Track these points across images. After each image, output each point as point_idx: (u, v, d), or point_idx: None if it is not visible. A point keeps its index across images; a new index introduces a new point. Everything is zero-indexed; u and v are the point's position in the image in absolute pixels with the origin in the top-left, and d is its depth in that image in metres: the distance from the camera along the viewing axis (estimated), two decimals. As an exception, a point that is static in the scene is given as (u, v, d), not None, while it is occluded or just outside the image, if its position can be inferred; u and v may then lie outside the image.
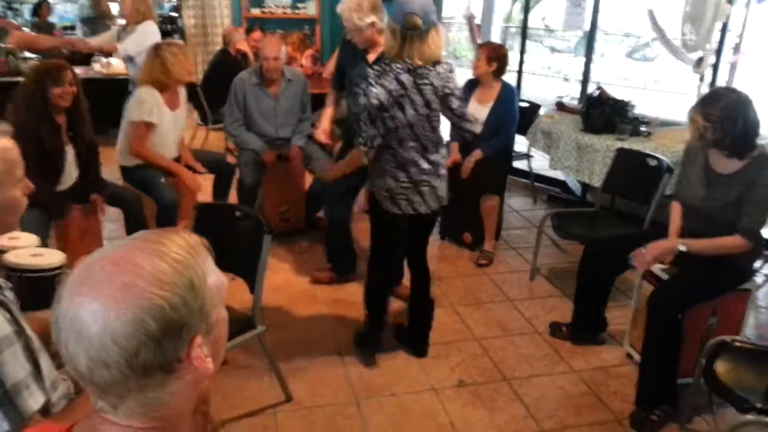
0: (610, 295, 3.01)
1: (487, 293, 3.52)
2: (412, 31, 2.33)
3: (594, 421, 2.51)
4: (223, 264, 2.43)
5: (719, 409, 2.47)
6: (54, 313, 0.72)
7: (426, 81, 2.39)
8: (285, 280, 3.55)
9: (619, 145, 3.82)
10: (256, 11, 6.51)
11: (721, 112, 2.39)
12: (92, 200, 3.10)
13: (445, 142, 2.64)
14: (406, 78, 2.36)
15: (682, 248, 2.49)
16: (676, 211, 2.75)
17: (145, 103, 3.35)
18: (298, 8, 6.60)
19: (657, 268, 2.66)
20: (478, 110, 3.91)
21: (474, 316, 3.26)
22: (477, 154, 3.82)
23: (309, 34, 6.56)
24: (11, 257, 1.81)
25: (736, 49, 8.10)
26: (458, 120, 2.56)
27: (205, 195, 3.89)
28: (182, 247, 0.75)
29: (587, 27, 5.16)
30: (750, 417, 1.97)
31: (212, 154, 3.93)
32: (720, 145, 2.44)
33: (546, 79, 11.95)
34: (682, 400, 2.49)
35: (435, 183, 2.56)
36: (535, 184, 5.16)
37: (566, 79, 11.63)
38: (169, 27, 7.72)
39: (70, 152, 3.00)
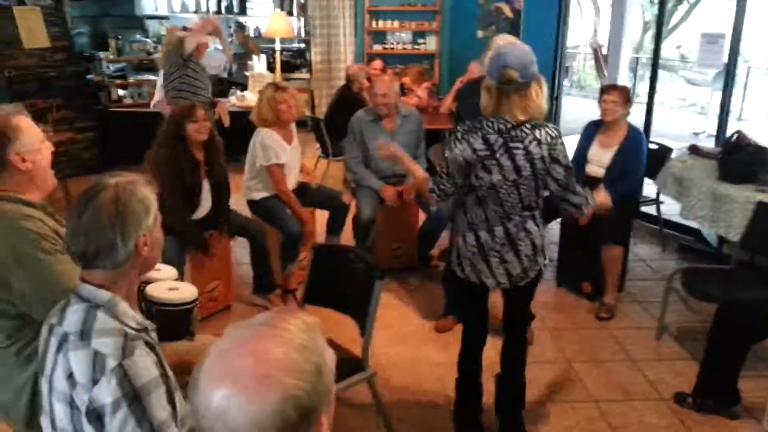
0: (745, 363, 2.72)
1: (608, 350, 3.31)
2: (508, 86, 2.15)
3: None
4: (336, 303, 2.50)
5: None
6: (193, 401, 0.77)
7: (519, 145, 2.17)
8: (395, 318, 3.55)
9: (760, 196, 3.48)
10: (378, 47, 6.70)
11: None
12: (223, 232, 3.38)
13: (540, 218, 2.35)
14: (494, 138, 2.17)
15: None
16: None
17: (268, 148, 3.57)
18: (418, 44, 6.71)
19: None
20: (602, 154, 3.74)
21: (592, 375, 3.07)
22: (601, 196, 3.62)
23: (428, 68, 6.64)
24: (151, 290, 1.94)
25: None
26: (562, 191, 2.28)
27: (320, 231, 4.03)
28: (305, 331, 0.82)
29: (725, 60, 4.80)
30: None
31: (328, 190, 4.06)
32: None
33: (680, 112, 11.26)
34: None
35: (507, 257, 2.30)
36: (665, 230, 4.82)
37: (703, 113, 10.89)
38: (298, 61, 8.11)
39: (206, 185, 3.24)
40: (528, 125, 2.18)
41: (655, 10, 12.65)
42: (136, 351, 1.28)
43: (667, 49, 13.18)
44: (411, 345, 3.30)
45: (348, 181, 5.60)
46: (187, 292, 2.00)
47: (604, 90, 3.73)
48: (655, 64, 5.12)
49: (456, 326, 3.34)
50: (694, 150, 4.44)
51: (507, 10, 6.05)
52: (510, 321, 2.54)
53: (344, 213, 3.95)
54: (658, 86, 5.35)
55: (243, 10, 7.80)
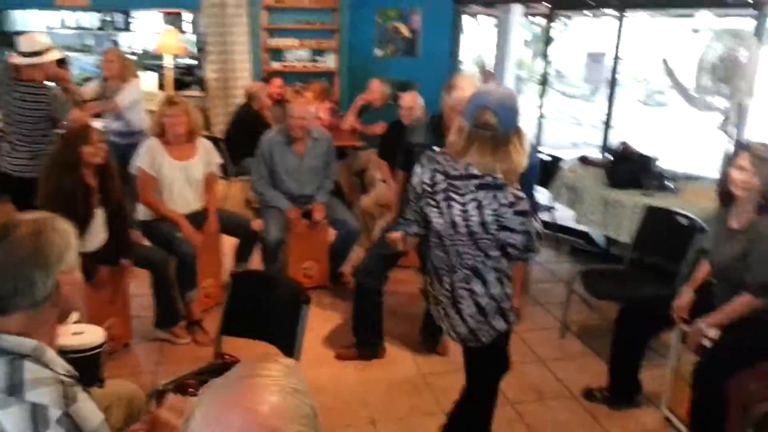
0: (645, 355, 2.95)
1: (518, 353, 3.43)
2: (482, 130, 1.90)
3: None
4: (258, 332, 2.41)
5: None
6: None
7: (458, 198, 1.93)
8: (311, 340, 3.46)
9: (647, 200, 3.81)
10: (276, 65, 6.63)
11: None
12: (121, 265, 3.11)
13: (496, 280, 2.05)
14: (440, 179, 1.98)
15: (711, 333, 2.48)
16: (702, 267, 2.76)
17: (141, 152, 3.46)
18: (317, 61, 6.72)
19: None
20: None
21: (506, 378, 3.15)
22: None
23: (328, 86, 6.66)
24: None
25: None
26: (522, 254, 2.02)
27: (228, 258, 3.91)
28: (291, 374, 0.81)
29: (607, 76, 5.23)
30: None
31: (236, 217, 3.93)
32: (760, 198, 2.44)
33: (558, 123, 12.05)
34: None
35: (450, 312, 2.11)
36: (558, 235, 5.13)
37: (578, 123, 11.73)
38: (188, 79, 7.84)
39: (100, 214, 3.02)
40: (477, 181, 1.91)
41: (533, 29, 13.62)
42: (78, 396, 1.19)
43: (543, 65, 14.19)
44: (330, 366, 3.27)
45: (250, 202, 5.51)
46: (93, 335, 1.87)
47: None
48: (543, 81, 5.47)
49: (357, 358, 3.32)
50: (584, 160, 4.78)
51: (404, 30, 6.22)
52: (468, 378, 2.34)
53: (254, 240, 3.83)
54: (537, 100, 5.70)
55: (127, 27, 7.45)
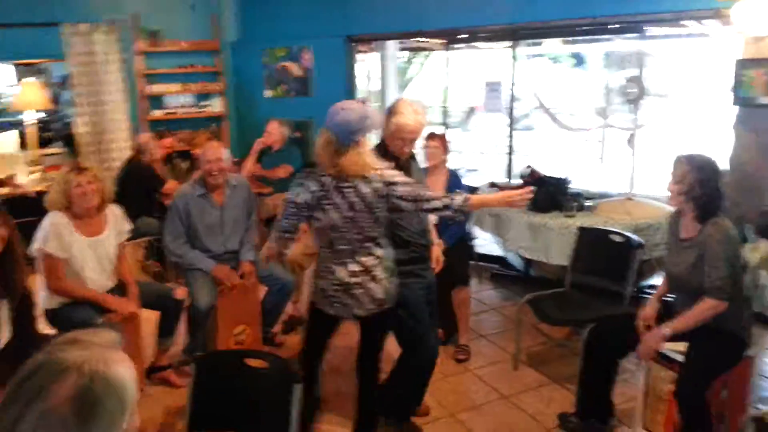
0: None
1: (480, 393, 3.35)
2: (333, 145, 2.35)
3: None
4: (236, 424, 2.06)
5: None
6: None
7: (348, 184, 2.36)
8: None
9: (571, 222, 3.93)
10: (157, 112, 6.13)
11: (705, 167, 2.53)
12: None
13: (382, 243, 2.51)
14: (327, 181, 2.38)
15: (667, 331, 2.55)
16: (664, 277, 2.85)
17: (43, 231, 2.99)
18: (202, 106, 6.32)
19: (667, 350, 2.67)
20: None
21: (479, 423, 3.06)
22: (440, 244, 3.72)
23: (217, 131, 6.28)
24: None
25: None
26: (416, 204, 2.40)
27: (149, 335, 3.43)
28: None
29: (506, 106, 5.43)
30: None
31: (155, 286, 3.48)
32: (697, 203, 2.54)
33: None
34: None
35: (368, 285, 2.46)
36: (478, 264, 5.16)
37: (455, 151, 12.20)
38: (46, 135, 6.92)
39: (3, 307, 2.49)
40: (349, 181, 2.37)
41: (407, 65, 14.16)
42: None
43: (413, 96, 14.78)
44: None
45: (147, 267, 4.97)
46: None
47: (428, 137, 3.88)
48: (444, 113, 5.56)
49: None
50: (494, 186, 4.86)
51: (295, 69, 6.03)
52: (364, 353, 2.64)
53: (178, 311, 3.40)
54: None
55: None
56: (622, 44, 9.10)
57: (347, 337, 2.89)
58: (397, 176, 2.41)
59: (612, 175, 8.10)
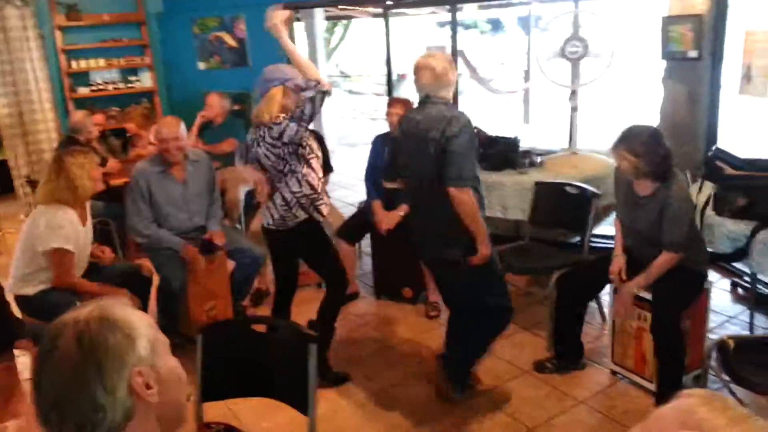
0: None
1: (456, 345, 3.48)
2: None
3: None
4: (249, 389, 2.07)
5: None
6: None
7: (260, 135, 2.86)
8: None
9: (525, 178, 4.10)
10: (84, 90, 5.78)
11: (645, 147, 2.63)
12: (19, 347, 2.47)
13: (297, 180, 2.89)
14: (252, 131, 2.95)
15: (634, 289, 2.78)
16: (618, 229, 3.02)
17: (62, 229, 2.85)
18: (131, 81, 6.01)
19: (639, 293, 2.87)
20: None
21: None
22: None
23: (150, 107, 6.01)
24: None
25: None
26: (311, 106, 2.78)
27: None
28: None
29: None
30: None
31: (121, 265, 3.37)
32: (651, 175, 2.69)
33: (356, 121, 12.47)
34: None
35: (269, 204, 2.95)
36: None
37: (374, 119, 12.27)
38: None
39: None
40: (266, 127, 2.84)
41: (329, 35, 14.00)
42: None
43: (330, 68, 14.79)
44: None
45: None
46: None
47: (389, 103, 3.89)
48: (389, 81, 5.57)
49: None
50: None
51: (229, 39, 5.83)
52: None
53: (148, 287, 3.32)
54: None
55: None
56: (539, 8, 9.36)
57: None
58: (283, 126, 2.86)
59: (539, 134, 8.47)
